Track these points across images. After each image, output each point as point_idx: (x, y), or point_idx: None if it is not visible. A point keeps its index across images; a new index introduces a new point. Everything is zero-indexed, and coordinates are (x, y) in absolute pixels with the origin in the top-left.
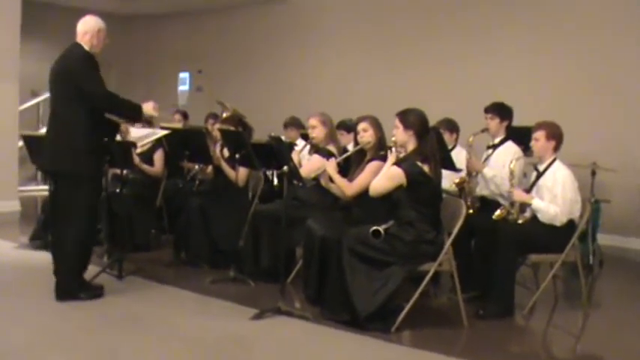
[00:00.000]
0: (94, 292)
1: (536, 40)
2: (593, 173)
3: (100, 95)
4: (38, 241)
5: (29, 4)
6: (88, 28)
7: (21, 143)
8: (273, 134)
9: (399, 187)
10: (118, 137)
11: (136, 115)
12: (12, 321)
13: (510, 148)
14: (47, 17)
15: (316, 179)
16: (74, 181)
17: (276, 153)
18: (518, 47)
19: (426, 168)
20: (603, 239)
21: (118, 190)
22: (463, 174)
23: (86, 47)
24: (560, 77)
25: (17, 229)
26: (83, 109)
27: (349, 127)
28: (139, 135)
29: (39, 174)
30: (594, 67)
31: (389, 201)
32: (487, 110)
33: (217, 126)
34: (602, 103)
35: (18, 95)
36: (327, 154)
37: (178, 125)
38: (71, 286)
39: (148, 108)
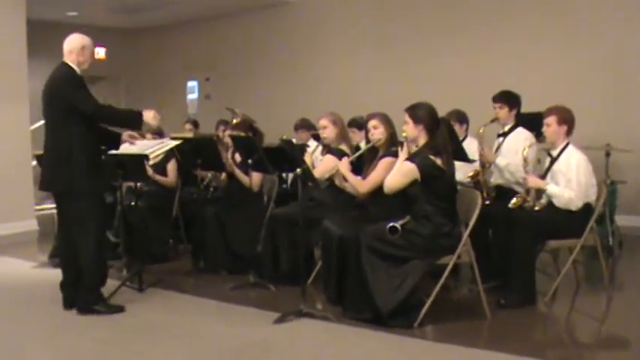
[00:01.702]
0: (114, 307)
1: (544, 23)
2: (608, 154)
3: (91, 112)
4: (57, 258)
5: (35, 23)
6: (72, 47)
7: (34, 163)
8: (285, 137)
9: (414, 182)
10: (130, 148)
11: (135, 123)
12: (36, 338)
13: (521, 135)
14: (53, 36)
15: (330, 179)
16: (74, 200)
17: (289, 156)
18: (526, 33)
19: (438, 161)
20: (621, 220)
21: (132, 203)
22: (476, 165)
23: (73, 65)
24: (569, 60)
25: (36, 247)
26: (75, 127)
27: (360, 124)
28: (147, 145)
29: None
30: (604, 48)
31: (404, 197)
32: (495, 99)
33: (228, 132)
34: (613, 84)
35: (29, 115)
36: (340, 154)
37: (189, 134)
38: (89, 300)
39: (148, 117)
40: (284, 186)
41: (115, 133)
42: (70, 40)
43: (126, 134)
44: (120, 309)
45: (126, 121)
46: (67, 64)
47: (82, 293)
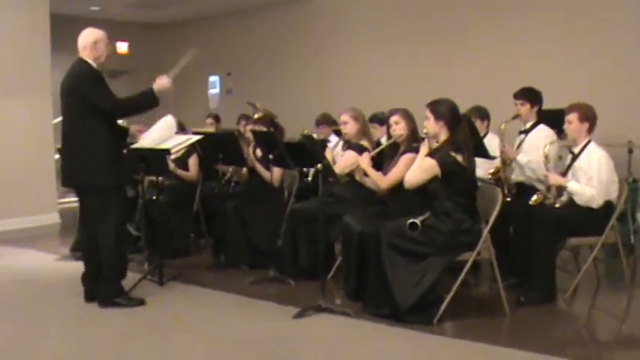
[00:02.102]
0: (135, 299)
1: (565, 20)
2: (630, 152)
3: (110, 109)
4: (79, 251)
5: (58, 18)
6: (85, 43)
7: (57, 156)
8: (306, 132)
9: (434, 179)
10: (150, 141)
11: (152, 102)
12: (57, 330)
13: (543, 132)
14: (76, 30)
15: (351, 175)
16: (96, 193)
17: (310, 151)
18: (548, 30)
19: (459, 158)
20: None
21: (154, 197)
22: (497, 162)
23: (89, 60)
24: (591, 56)
25: (58, 240)
26: (94, 122)
27: (382, 120)
28: (164, 137)
29: None
30: (626, 44)
31: (424, 193)
32: (516, 96)
33: (249, 127)
34: (636, 80)
35: (52, 109)
36: (361, 149)
37: (211, 129)
38: (110, 293)
39: (162, 86)
40: (306, 179)
41: (123, 128)
42: (82, 36)
43: (134, 127)
44: (140, 302)
45: (144, 106)
46: (83, 60)
47: (102, 286)
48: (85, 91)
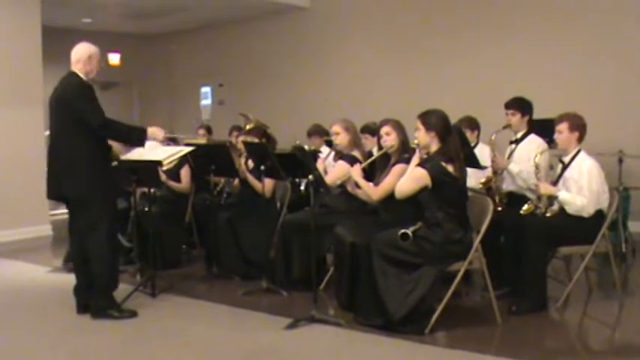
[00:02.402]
0: (127, 311)
1: (555, 29)
2: (620, 161)
3: (97, 127)
4: (71, 263)
5: (50, 30)
6: (79, 56)
7: None
8: (298, 142)
9: (425, 189)
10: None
11: (138, 141)
12: (49, 342)
13: (534, 142)
14: (68, 42)
15: (342, 186)
16: (85, 205)
17: (301, 162)
18: (537, 39)
19: (450, 168)
20: (635, 227)
21: (146, 209)
22: (488, 172)
23: (81, 74)
24: (581, 66)
25: (50, 252)
26: (84, 135)
27: (373, 130)
28: (140, 151)
29: None
30: (616, 53)
31: (416, 203)
32: (507, 106)
33: (241, 138)
34: (625, 90)
35: (44, 121)
36: (352, 160)
37: (202, 140)
38: (102, 305)
39: (155, 134)
40: (298, 189)
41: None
42: (77, 50)
43: (115, 146)
44: (133, 314)
45: (130, 139)
46: (75, 74)
47: (94, 298)
48: (76, 105)
